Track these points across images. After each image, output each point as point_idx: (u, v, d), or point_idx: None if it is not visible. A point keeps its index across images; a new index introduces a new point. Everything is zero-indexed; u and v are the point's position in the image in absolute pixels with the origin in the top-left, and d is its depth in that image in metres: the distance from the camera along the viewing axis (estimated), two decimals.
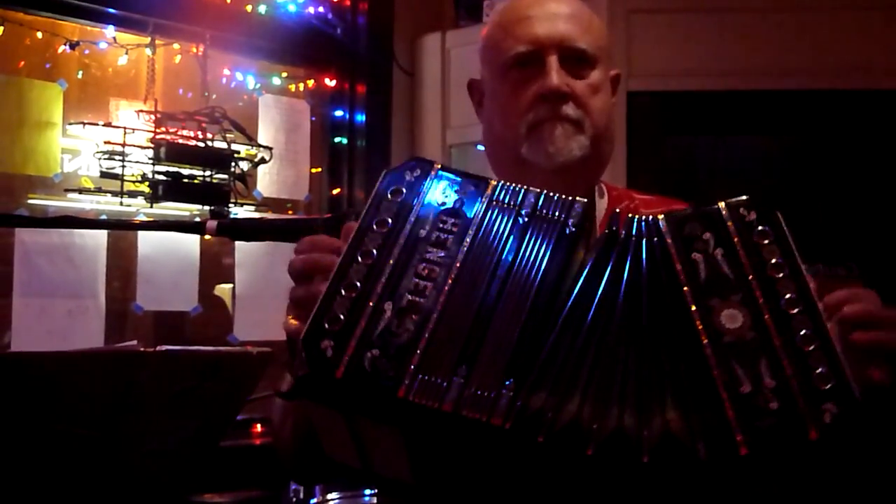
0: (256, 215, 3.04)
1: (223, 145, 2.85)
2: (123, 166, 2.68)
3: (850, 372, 0.80)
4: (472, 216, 0.91)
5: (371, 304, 0.84)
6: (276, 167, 3.11)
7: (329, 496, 2.20)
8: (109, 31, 2.81)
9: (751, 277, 0.86)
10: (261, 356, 1.39)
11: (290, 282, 0.95)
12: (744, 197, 0.92)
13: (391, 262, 0.87)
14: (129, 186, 2.71)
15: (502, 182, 0.95)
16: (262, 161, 3.03)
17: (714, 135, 3.16)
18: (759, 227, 0.89)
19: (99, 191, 2.70)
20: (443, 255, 0.88)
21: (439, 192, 0.92)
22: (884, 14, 2.91)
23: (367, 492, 2.13)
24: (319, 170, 3.35)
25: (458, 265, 0.87)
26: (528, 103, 1.24)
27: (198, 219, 2.48)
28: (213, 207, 2.81)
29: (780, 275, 0.86)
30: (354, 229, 0.89)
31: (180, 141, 2.78)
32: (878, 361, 0.87)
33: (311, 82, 3.33)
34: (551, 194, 0.93)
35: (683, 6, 2.99)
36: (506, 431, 0.79)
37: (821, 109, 2.96)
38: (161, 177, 2.73)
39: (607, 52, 1.31)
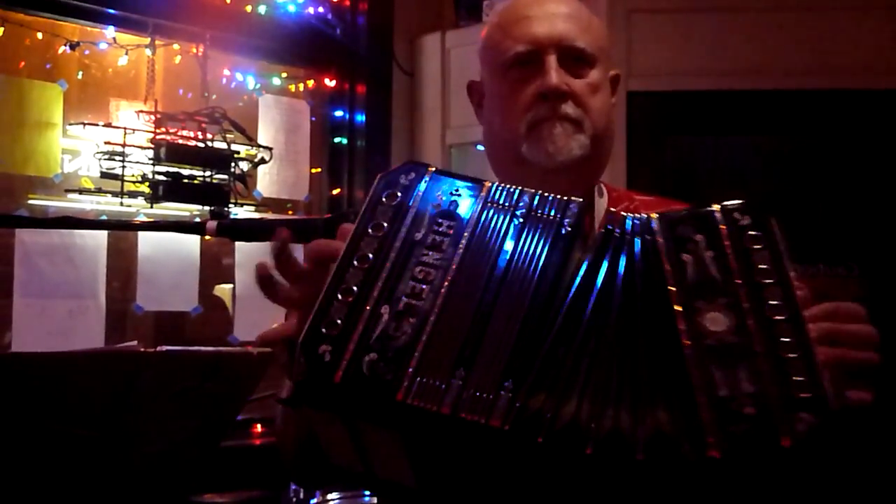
0: (256, 216, 3.04)
1: (223, 146, 2.85)
2: (123, 167, 2.69)
3: (830, 384, 0.80)
4: (467, 218, 0.91)
5: (368, 307, 0.84)
6: (276, 167, 3.11)
7: (329, 496, 2.20)
8: (109, 31, 2.81)
9: (738, 282, 0.86)
10: (261, 356, 1.39)
11: None
12: (739, 201, 0.92)
13: (388, 265, 0.87)
14: (129, 187, 2.71)
15: (497, 183, 0.95)
16: (262, 161, 3.03)
17: (714, 135, 3.16)
18: (752, 232, 0.89)
19: (99, 191, 2.70)
20: (439, 257, 0.88)
21: (434, 195, 0.92)
22: (884, 14, 2.91)
23: (368, 492, 2.13)
24: (319, 170, 3.35)
25: (454, 267, 0.87)
26: (527, 103, 1.24)
27: (198, 219, 2.48)
28: (213, 208, 2.81)
29: (768, 281, 0.86)
30: (350, 234, 0.89)
31: (180, 141, 2.78)
32: (852, 379, 0.87)
33: (310, 82, 3.33)
34: (546, 194, 0.93)
35: (683, 6, 2.99)
36: (505, 433, 0.79)
37: (821, 109, 2.96)
38: (161, 177, 2.73)
39: (606, 52, 1.31)
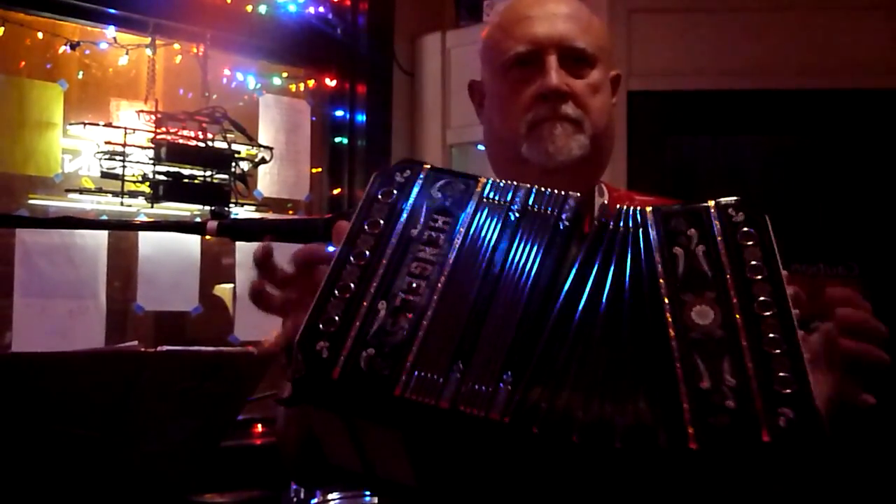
0: (257, 215, 3.04)
1: (224, 145, 2.85)
2: (124, 166, 2.69)
3: (814, 380, 0.80)
4: (463, 213, 0.91)
5: (365, 304, 0.84)
6: (277, 167, 3.11)
7: (330, 496, 2.20)
8: (110, 31, 2.81)
9: (728, 277, 0.86)
10: (262, 356, 1.39)
11: None
12: (734, 198, 0.93)
13: (384, 262, 0.87)
14: (129, 187, 2.71)
15: (492, 179, 0.95)
16: (263, 161, 3.03)
17: (714, 135, 3.16)
18: (745, 229, 0.90)
19: (99, 191, 2.70)
20: (435, 252, 0.88)
21: (430, 192, 0.93)
22: (884, 14, 2.91)
23: (368, 491, 2.13)
24: (320, 170, 3.35)
25: (450, 262, 0.87)
26: (527, 103, 1.24)
27: (198, 219, 2.48)
28: (213, 208, 2.81)
29: (758, 277, 0.86)
30: (346, 231, 0.89)
31: (181, 141, 2.78)
32: (856, 376, 0.88)
33: (311, 82, 3.33)
34: (543, 189, 0.94)
35: (684, 6, 2.99)
36: (505, 425, 0.79)
37: (821, 109, 2.96)
38: (161, 177, 2.73)
39: (607, 52, 1.31)
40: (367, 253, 0.88)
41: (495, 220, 0.91)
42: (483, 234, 0.90)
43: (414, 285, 0.86)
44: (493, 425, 0.79)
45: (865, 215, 2.90)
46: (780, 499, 0.80)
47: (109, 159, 2.67)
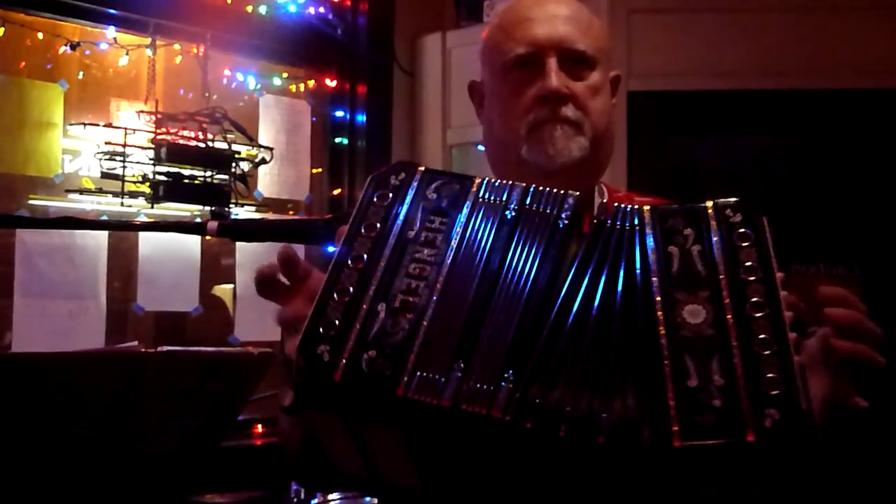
0: (257, 216, 3.04)
1: (224, 146, 2.85)
2: (124, 167, 2.69)
3: (802, 383, 0.80)
4: (459, 213, 0.92)
5: (364, 306, 0.85)
6: (277, 167, 3.11)
7: (330, 497, 2.20)
8: (110, 31, 2.81)
9: (722, 277, 0.87)
10: (262, 357, 1.39)
11: None
12: (733, 199, 0.93)
13: (382, 264, 0.88)
14: (129, 187, 2.71)
15: (487, 179, 0.96)
16: (263, 161, 3.03)
17: (715, 135, 3.16)
18: (742, 230, 0.90)
19: (100, 191, 2.70)
20: (433, 253, 0.89)
21: (425, 193, 0.94)
22: (884, 14, 2.91)
23: (372, 495, 2.13)
24: (320, 170, 3.35)
25: (448, 262, 0.88)
26: (527, 105, 1.24)
27: (199, 219, 2.48)
28: (213, 208, 2.81)
29: (752, 278, 0.86)
30: (343, 236, 0.90)
31: (181, 141, 2.78)
32: (849, 378, 0.88)
33: (311, 83, 3.33)
34: (541, 188, 0.94)
35: (683, 6, 2.99)
36: (506, 423, 0.79)
37: (821, 109, 2.96)
38: (162, 177, 2.73)
39: (607, 53, 1.31)
40: (365, 256, 0.88)
41: (491, 219, 0.92)
42: (479, 233, 0.90)
43: (413, 286, 0.86)
44: (494, 423, 0.79)
45: (865, 215, 2.91)
46: (766, 499, 0.80)
47: (109, 160, 2.67)
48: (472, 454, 0.83)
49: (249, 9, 3.04)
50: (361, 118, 3.34)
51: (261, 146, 3.04)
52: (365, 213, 0.92)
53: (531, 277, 0.87)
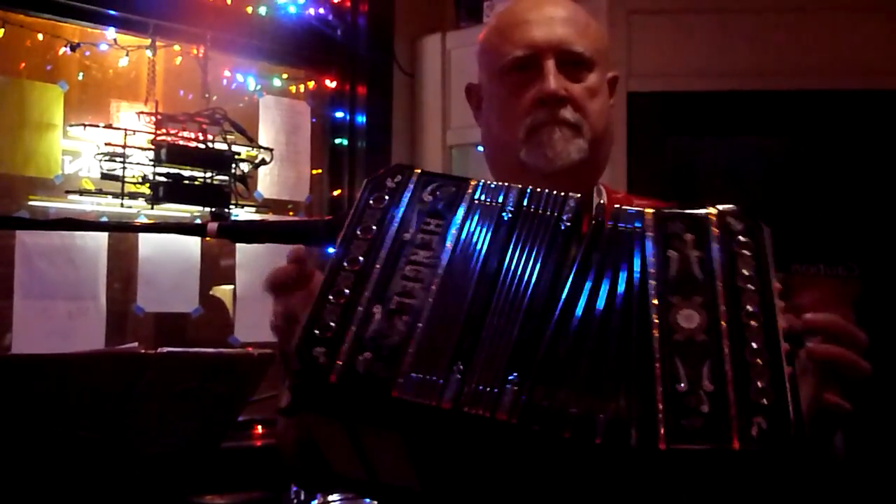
0: (257, 217, 3.04)
1: (224, 147, 2.85)
2: (124, 168, 2.69)
3: (792, 393, 0.80)
4: (454, 215, 0.92)
5: (361, 308, 0.85)
6: (277, 168, 3.11)
7: (330, 498, 2.20)
8: (110, 32, 2.81)
9: (718, 283, 0.87)
10: (262, 358, 1.39)
11: None
12: (735, 206, 0.93)
13: (378, 266, 0.88)
14: (129, 188, 2.71)
15: (482, 181, 0.96)
16: (263, 162, 3.03)
17: (715, 135, 3.16)
18: (742, 238, 0.90)
19: (100, 192, 2.70)
20: (429, 255, 0.89)
21: (421, 196, 0.94)
22: (883, 14, 2.91)
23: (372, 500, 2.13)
24: (320, 171, 3.35)
25: (444, 264, 0.88)
26: (526, 107, 1.24)
27: (199, 220, 2.49)
28: (213, 209, 2.81)
29: (749, 287, 0.86)
30: (339, 239, 0.90)
31: (181, 142, 2.78)
32: (832, 382, 0.88)
33: (311, 84, 3.33)
34: (539, 190, 0.94)
35: (683, 6, 2.99)
36: (512, 426, 0.79)
37: (821, 109, 2.96)
38: (162, 178, 2.73)
39: (605, 54, 1.31)
40: (361, 258, 0.88)
41: (487, 221, 0.92)
42: (475, 235, 0.91)
43: (408, 288, 0.86)
44: (500, 426, 0.79)
45: (865, 215, 2.90)
46: None
47: (109, 161, 2.67)
48: (472, 456, 0.83)
49: (249, 10, 3.04)
50: (361, 119, 3.34)
51: (261, 147, 3.04)
52: (361, 215, 0.92)
53: (532, 279, 0.87)
